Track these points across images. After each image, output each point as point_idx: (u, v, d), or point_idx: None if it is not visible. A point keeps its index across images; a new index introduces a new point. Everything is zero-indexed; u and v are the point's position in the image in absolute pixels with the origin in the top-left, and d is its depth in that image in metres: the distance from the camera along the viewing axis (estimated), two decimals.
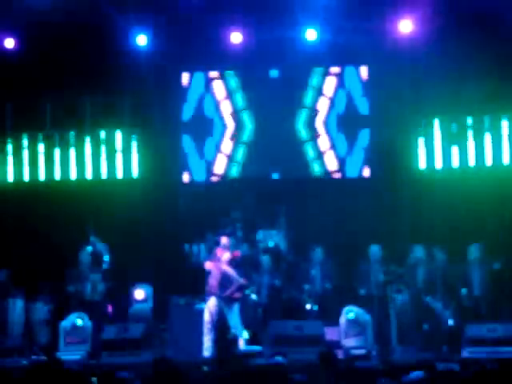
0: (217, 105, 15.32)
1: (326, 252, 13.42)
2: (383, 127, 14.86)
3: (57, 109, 15.25)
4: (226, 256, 11.88)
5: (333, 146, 15.15)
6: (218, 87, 15.31)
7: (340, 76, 15.18)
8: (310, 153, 15.14)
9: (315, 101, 15.19)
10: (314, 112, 15.17)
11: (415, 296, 12.83)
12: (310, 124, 15.19)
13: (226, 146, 15.25)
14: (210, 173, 15.22)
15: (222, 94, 15.32)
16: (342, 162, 15.11)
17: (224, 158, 15.22)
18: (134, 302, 13.71)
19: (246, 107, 15.24)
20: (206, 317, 11.56)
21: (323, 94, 15.21)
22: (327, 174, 15.12)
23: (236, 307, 11.79)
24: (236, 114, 15.26)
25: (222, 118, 15.30)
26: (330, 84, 15.19)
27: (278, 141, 15.07)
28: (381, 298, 12.80)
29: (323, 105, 15.20)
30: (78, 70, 14.33)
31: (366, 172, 15.05)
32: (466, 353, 11.44)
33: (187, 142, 15.32)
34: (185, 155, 15.31)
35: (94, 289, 13.12)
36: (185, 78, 15.26)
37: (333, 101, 15.18)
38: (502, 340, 11.35)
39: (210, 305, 11.58)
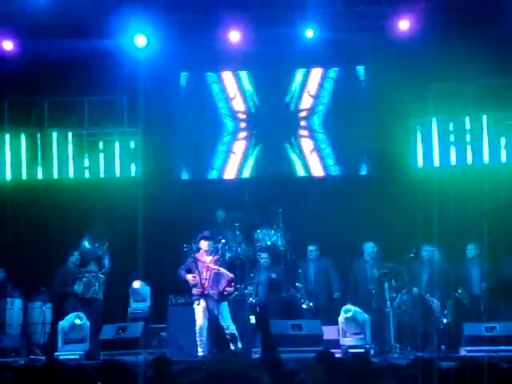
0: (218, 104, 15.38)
1: (322, 250, 13.44)
2: (381, 125, 14.86)
3: (55, 107, 15.24)
4: (208, 259, 11.85)
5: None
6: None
7: (338, 75, 15.22)
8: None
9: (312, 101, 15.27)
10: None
11: (413, 294, 12.84)
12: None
13: (225, 144, 15.33)
14: (209, 172, 15.29)
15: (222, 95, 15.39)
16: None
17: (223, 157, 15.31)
18: (132, 296, 13.76)
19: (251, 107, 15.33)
20: (199, 320, 11.57)
21: (322, 93, 15.27)
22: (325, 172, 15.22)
23: (226, 308, 11.76)
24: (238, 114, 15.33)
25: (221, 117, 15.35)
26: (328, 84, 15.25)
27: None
28: (378, 296, 12.81)
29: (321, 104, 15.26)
30: (77, 69, 14.31)
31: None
32: (464, 352, 11.47)
33: (187, 141, 15.36)
34: (183, 154, 15.35)
35: (89, 287, 13.15)
36: (183, 77, 15.30)
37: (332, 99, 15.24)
38: (500, 339, 11.36)
39: (201, 307, 11.57)
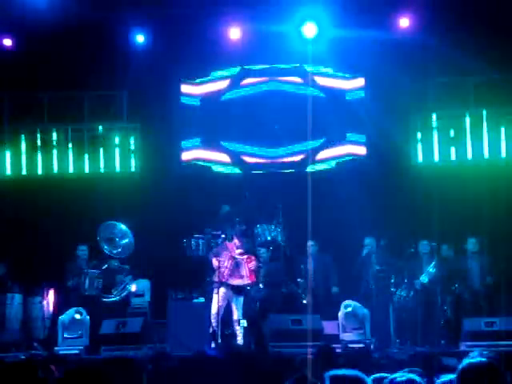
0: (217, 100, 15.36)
1: (322, 246, 13.45)
2: (382, 122, 14.85)
3: (54, 103, 15.24)
4: (238, 251, 12.19)
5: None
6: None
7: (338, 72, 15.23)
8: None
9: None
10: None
11: (419, 285, 12.85)
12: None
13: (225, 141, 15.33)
14: (208, 167, 15.30)
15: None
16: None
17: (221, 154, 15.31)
18: (132, 296, 13.75)
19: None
20: (214, 308, 11.75)
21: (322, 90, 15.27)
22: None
23: (240, 302, 11.90)
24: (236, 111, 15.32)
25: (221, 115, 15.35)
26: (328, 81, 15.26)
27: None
28: (379, 290, 12.82)
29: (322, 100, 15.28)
30: (77, 65, 14.31)
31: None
32: (464, 346, 11.47)
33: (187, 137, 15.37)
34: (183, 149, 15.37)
35: (92, 284, 13.15)
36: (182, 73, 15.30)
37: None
38: (500, 334, 11.37)
39: (218, 296, 11.71)
